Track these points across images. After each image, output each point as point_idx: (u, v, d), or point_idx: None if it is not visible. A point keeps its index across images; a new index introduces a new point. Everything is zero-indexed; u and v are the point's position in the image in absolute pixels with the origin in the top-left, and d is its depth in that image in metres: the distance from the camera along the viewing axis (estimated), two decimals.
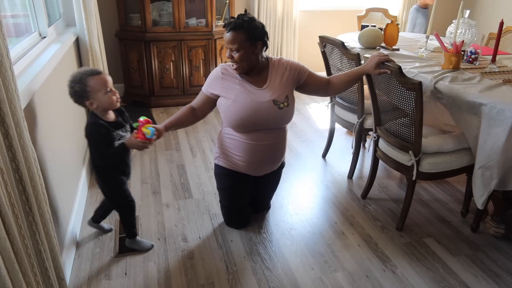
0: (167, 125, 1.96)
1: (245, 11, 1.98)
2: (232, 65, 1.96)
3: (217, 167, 2.17)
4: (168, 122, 1.97)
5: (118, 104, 1.81)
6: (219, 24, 4.08)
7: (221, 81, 2.00)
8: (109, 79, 1.77)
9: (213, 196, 2.52)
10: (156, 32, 3.82)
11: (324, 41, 2.69)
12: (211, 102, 2.06)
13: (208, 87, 2.05)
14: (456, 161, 2.15)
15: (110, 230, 2.18)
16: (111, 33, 4.00)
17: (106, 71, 3.12)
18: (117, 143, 1.80)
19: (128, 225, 2.03)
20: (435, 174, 2.16)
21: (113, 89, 1.77)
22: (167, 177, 2.75)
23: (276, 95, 1.98)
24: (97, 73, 1.73)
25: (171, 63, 3.94)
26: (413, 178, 2.14)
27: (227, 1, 4.10)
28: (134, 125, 1.82)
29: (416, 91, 1.93)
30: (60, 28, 2.78)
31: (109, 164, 1.86)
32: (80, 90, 1.69)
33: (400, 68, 1.96)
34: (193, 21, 3.97)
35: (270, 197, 2.40)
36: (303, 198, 2.55)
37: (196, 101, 2.09)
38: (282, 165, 2.29)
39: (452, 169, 2.17)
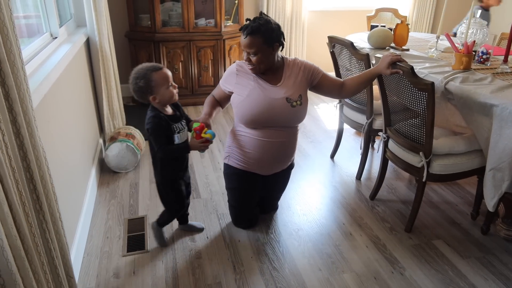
0: (210, 117, 2.05)
1: (261, 13, 1.97)
2: (247, 65, 1.97)
3: (227, 167, 2.18)
4: (208, 114, 2.04)
5: (177, 97, 1.87)
6: (228, 24, 4.09)
7: (235, 77, 2.02)
8: (170, 73, 1.83)
9: (221, 196, 2.53)
10: (165, 33, 3.84)
11: (333, 41, 2.69)
12: (227, 97, 2.11)
13: (224, 82, 2.09)
14: (467, 163, 2.13)
15: (202, 229, 2.23)
16: (121, 34, 4.03)
17: (116, 71, 3.14)
18: (176, 136, 1.85)
19: (164, 217, 2.10)
20: (446, 176, 2.14)
21: (173, 83, 1.83)
22: None
23: (290, 93, 1.99)
24: (159, 68, 1.79)
25: (180, 63, 3.96)
26: (423, 180, 2.12)
27: (236, 2, 4.11)
28: (191, 134, 1.86)
29: (428, 91, 1.91)
30: (71, 28, 2.81)
31: (168, 158, 1.91)
32: (144, 85, 1.76)
33: (412, 68, 1.94)
34: (202, 22, 3.98)
35: (278, 198, 2.40)
36: (311, 198, 2.55)
37: (215, 92, 2.16)
38: (292, 166, 2.28)
39: (463, 171, 2.15)
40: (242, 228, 2.24)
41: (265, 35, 1.88)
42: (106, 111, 2.98)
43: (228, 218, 2.31)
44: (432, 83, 1.89)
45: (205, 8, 4.06)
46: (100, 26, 2.85)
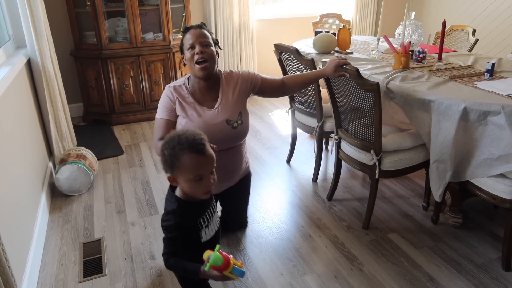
0: None
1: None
2: (198, 64, 1.85)
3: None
4: None
5: (208, 196, 1.36)
6: (177, 37, 4.08)
7: (177, 101, 1.93)
8: (210, 162, 1.32)
9: None
10: (112, 49, 3.77)
11: (280, 49, 2.74)
12: (174, 126, 1.96)
13: (167, 110, 1.94)
14: (414, 157, 2.23)
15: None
16: (65, 52, 3.91)
17: (62, 91, 3.04)
18: (203, 232, 1.38)
19: None
20: (396, 171, 2.23)
21: (208, 179, 1.32)
22: (131, 195, 2.70)
23: (228, 114, 1.93)
24: (200, 151, 1.28)
25: (130, 79, 3.90)
26: (376, 177, 2.20)
27: (184, 14, 4.11)
28: (206, 268, 1.23)
29: (374, 92, 1.99)
30: (10, 50, 2.70)
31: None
32: (168, 158, 1.29)
33: (358, 70, 2.01)
34: (150, 36, 3.95)
35: (243, 211, 2.30)
36: (270, 205, 2.57)
37: (161, 133, 1.91)
38: (248, 176, 2.22)
39: (412, 165, 2.25)
40: None
41: (210, 34, 1.93)
42: (54, 133, 2.87)
43: None
44: (377, 84, 1.97)
45: (152, 22, 4.03)
46: (41, 46, 2.75)
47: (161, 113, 1.95)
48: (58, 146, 2.92)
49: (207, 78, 1.92)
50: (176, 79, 4.04)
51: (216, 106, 1.95)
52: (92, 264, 2.06)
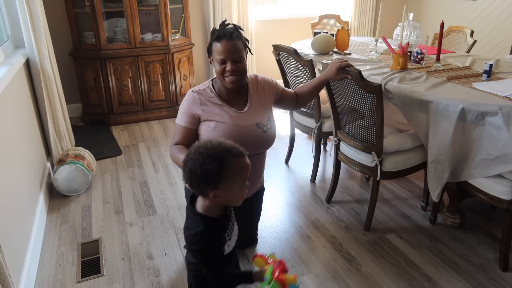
0: None
1: (225, 21, 1.84)
2: (229, 77, 1.75)
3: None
4: None
5: (240, 202, 1.31)
6: (176, 38, 4.08)
7: (200, 105, 1.81)
8: (249, 166, 1.27)
9: (178, 210, 2.49)
10: (111, 49, 3.77)
11: (278, 49, 2.75)
12: (194, 134, 1.84)
13: (187, 115, 1.82)
14: (415, 158, 2.24)
15: None
16: (64, 53, 3.91)
17: (61, 91, 3.04)
18: (226, 245, 1.31)
19: None
20: (397, 172, 2.23)
21: (246, 183, 1.29)
22: (129, 195, 2.70)
23: (259, 117, 1.86)
24: (241, 154, 1.24)
25: (129, 79, 3.90)
26: (378, 178, 2.20)
27: (183, 15, 4.11)
28: (265, 283, 1.26)
29: (376, 93, 1.99)
30: (9, 50, 2.70)
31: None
32: (215, 171, 1.18)
33: (360, 72, 2.01)
34: (148, 36, 3.95)
35: (254, 227, 2.20)
36: (269, 205, 2.57)
37: (178, 138, 1.83)
38: (262, 190, 2.13)
39: (412, 166, 2.25)
40: None
41: (243, 39, 1.79)
42: (52, 133, 2.87)
43: None
44: (380, 86, 1.97)
45: (151, 23, 4.03)
46: (40, 46, 2.75)
47: (179, 119, 1.85)
48: (56, 146, 2.92)
49: (236, 88, 1.84)
50: (175, 79, 4.04)
51: (246, 109, 1.86)
52: (90, 265, 2.06)
